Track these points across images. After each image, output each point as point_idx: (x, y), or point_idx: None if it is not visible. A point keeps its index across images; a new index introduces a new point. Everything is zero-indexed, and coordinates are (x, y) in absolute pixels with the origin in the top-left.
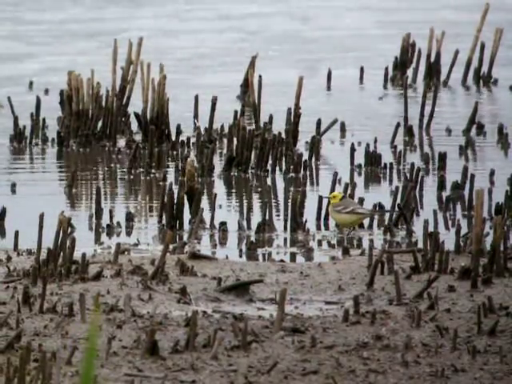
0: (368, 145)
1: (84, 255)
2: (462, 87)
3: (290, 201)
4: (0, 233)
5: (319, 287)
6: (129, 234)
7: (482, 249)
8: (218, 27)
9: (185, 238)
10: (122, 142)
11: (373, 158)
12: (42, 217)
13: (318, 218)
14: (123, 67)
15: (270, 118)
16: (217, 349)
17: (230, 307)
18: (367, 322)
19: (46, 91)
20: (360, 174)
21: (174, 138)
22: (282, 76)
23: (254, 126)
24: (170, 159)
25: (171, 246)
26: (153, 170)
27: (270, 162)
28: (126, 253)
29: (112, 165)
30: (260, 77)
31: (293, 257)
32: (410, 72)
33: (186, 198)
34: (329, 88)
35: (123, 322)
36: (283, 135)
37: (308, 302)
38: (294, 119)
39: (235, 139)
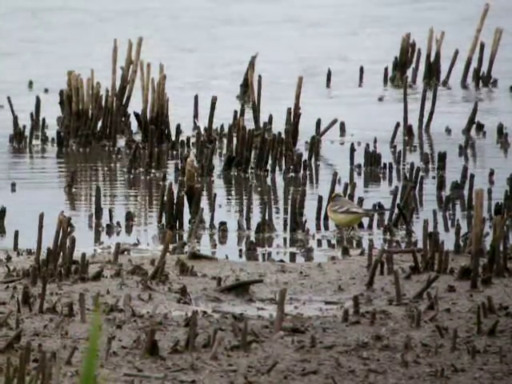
0: (368, 145)
1: (84, 255)
2: (462, 87)
3: (289, 201)
4: (0, 232)
5: (319, 287)
6: (129, 233)
7: (481, 249)
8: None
9: (185, 237)
10: (121, 142)
11: (372, 158)
12: (41, 217)
13: (318, 218)
14: (123, 67)
15: (270, 117)
16: (217, 349)
17: (229, 307)
18: (367, 322)
19: (46, 91)
20: (360, 173)
21: (173, 138)
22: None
23: (253, 126)
24: (169, 159)
25: (171, 246)
26: (153, 170)
27: (269, 161)
28: (125, 253)
29: (112, 165)
30: (260, 77)
31: (292, 257)
32: (409, 72)
33: (185, 197)
34: (328, 88)
35: (123, 322)
36: (283, 135)
37: (308, 302)
38: (293, 119)
39: (235, 139)
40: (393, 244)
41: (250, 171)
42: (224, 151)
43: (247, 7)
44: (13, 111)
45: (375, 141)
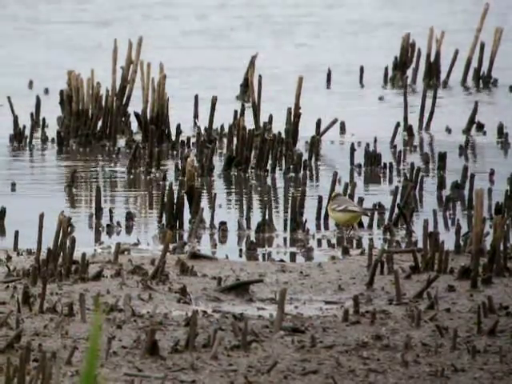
0: (368, 144)
1: (84, 255)
2: (462, 87)
3: (289, 201)
4: (0, 232)
5: (319, 287)
6: (129, 233)
7: (481, 248)
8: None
9: (185, 237)
10: (121, 142)
11: (372, 158)
12: (41, 216)
13: (318, 218)
14: (123, 67)
15: (270, 117)
16: (217, 348)
17: (229, 307)
18: (367, 322)
19: (46, 91)
20: (360, 173)
21: (173, 138)
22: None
23: (253, 126)
24: (169, 159)
25: (171, 246)
26: (153, 170)
27: (269, 161)
28: (125, 252)
29: (112, 164)
30: (260, 76)
31: (293, 256)
32: (409, 72)
33: (185, 197)
34: (328, 88)
35: (123, 322)
36: (283, 135)
37: (308, 302)
38: (293, 119)
39: (235, 139)
40: (393, 244)
41: (250, 171)
42: (224, 151)
43: (247, 6)
44: (13, 111)
45: (375, 141)
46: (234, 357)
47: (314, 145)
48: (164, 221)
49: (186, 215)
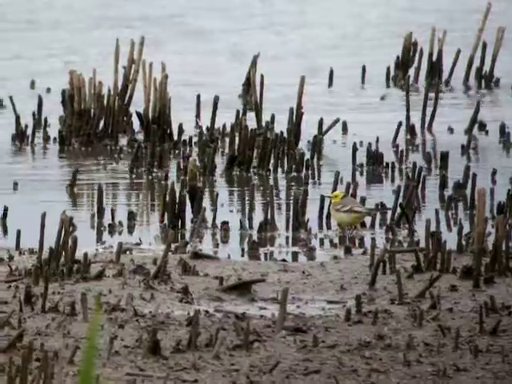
0: (370, 144)
1: (86, 254)
2: (464, 86)
3: (292, 200)
4: (2, 232)
5: (321, 286)
6: (131, 233)
7: (484, 248)
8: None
9: (187, 237)
10: (123, 142)
11: (375, 158)
12: (43, 216)
13: (320, 217)
14: (125, 66)
15: (272, 117)
16: (219, 348)
17: (231, 307)
18: (369, 322)
19: (48, 90)
20: (362, 173)
21: (175, 138)
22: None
23: (255, 125)
24: (171, 158)
25: (173, 246)
26: (155, 170)
27: (271, 161)
28: (127, 252)
29: (114, 164)
30: (262, 76)
31: (295, 256)
32: (411, 71)
33: (187, 197)
34: (331, 87)
35: (125, 322)
36: (285, 134)
37: (310, 302)
38: (296, 119)
39: (237, 138)
40: (395, 243)
41: (252, 170)
42: (226, 150)
43: (249, 6)
44: (15, 110)
45: (377, 140)
46: (236, 356)
47: (316, 144)
48: (166, 220)
49: (188, 215)
